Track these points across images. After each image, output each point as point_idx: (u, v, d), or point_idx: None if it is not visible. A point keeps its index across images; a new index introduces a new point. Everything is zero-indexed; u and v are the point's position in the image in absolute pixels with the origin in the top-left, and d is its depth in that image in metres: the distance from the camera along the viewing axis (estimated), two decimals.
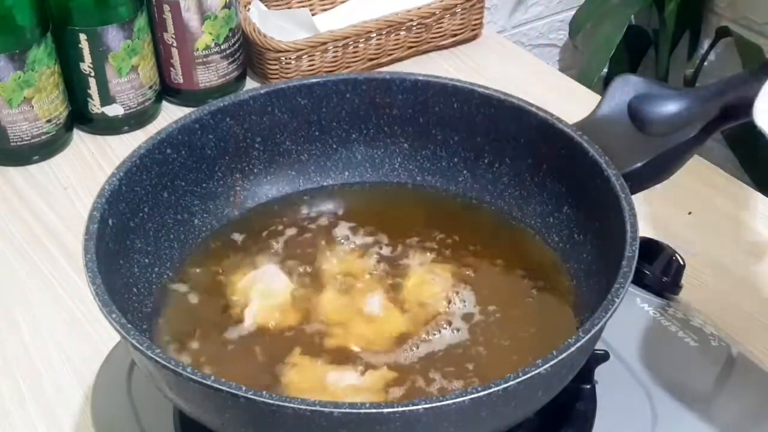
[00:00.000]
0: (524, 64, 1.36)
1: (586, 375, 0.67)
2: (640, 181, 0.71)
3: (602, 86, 1.70)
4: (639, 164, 0.71)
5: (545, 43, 1.86)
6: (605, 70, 1.75)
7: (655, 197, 0.75)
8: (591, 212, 0.70)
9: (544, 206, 0.75)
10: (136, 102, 1.19)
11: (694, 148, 0.73)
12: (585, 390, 0.68)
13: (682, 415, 0.69)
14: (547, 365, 0.54)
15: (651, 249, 0.77)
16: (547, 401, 0.60)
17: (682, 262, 0.78)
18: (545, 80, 1.31)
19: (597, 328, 0.57)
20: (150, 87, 1.20)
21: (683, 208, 1.03)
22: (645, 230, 0.64)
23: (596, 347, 0.65)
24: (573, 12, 1.79)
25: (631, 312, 0.74)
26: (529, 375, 0.54)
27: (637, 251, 0.61)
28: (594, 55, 1.70)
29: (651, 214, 0.92)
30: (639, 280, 0.76)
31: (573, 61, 1.80)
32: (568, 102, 1.19)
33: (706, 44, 1.78)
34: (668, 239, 0.78)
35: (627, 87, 0.75)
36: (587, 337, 0.56)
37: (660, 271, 0.77)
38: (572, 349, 0.55)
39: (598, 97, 0.77)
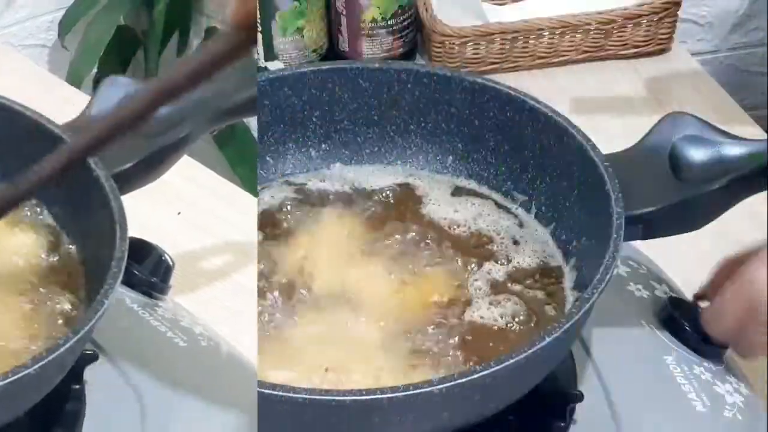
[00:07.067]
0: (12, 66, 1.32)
1: (75, 375, 0.67)
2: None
3: (92, 86, 1.70)
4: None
5: (35, 44, 1.83)
6: (95, 70, 1.75)
7: None
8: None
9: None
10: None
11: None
12: (74, 390, 0.68)
13: (171, 413, 0.71)
14: (37, 365, 0.55)
15: (140, 249, 0.77)
16: (37, 400, 0.60)
17: (171, 263, 0.80)
18: (32, 81, 1.28)
19: (85, 330, 0.58)
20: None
21: None
22: None
23: (86, 348, 0.66)
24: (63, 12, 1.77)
25: (120, 312, 0.74)
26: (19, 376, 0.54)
27: (126, 252, 0.63)
28: (83, 55, 1.70)
29: None
30: (128, 280, 0.76)
31: (64, 62, 1.78)
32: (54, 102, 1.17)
33: (195, 43, 1.83)
34: None
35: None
36: (75, 338, 0.57)
37: (149, 271, 0.78)
38: (61, 350, 0.56)
39: (88, 97, 0.77)
